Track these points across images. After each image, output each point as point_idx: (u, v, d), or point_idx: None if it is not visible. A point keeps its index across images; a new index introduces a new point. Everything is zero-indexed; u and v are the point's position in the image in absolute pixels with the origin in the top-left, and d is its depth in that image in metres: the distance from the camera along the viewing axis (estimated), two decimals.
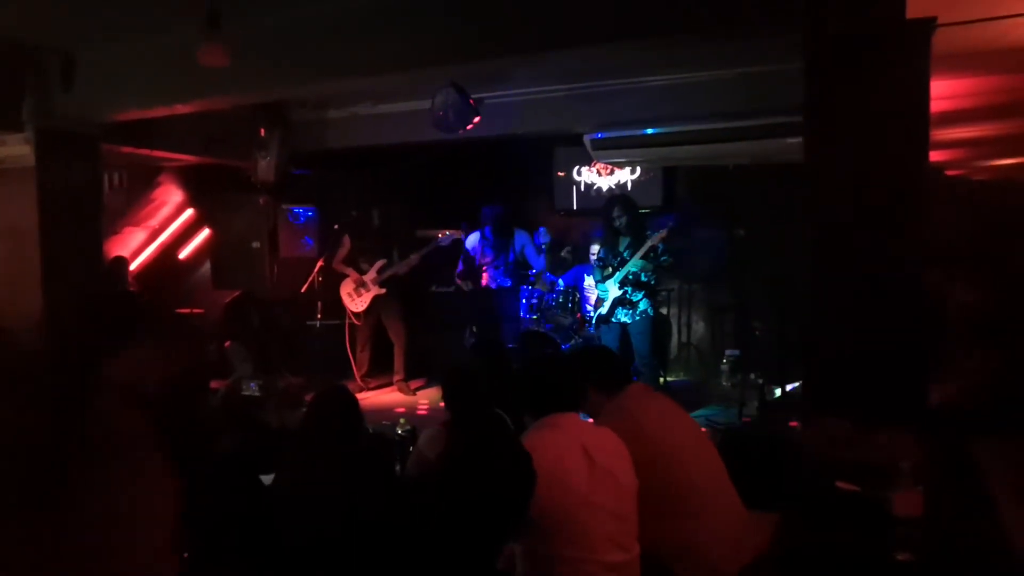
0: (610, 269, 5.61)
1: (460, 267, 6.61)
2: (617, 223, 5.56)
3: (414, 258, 6.56)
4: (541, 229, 6.54)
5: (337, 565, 2.67)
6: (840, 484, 2.58)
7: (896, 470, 2.47)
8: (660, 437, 2.63)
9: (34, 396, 1.00)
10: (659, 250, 5.48)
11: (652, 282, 5.61)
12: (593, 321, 5.95)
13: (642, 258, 5.43)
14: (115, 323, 1.61)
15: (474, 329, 6.23)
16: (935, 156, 5.47)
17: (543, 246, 6.44)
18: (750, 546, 2.59)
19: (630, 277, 5.51)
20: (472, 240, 6.48)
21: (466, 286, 6.55)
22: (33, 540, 0.78)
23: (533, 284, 6.75)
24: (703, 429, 2.91)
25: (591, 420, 2.77)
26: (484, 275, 6.54)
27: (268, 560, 2.68)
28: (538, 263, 6.53)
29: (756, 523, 2.67)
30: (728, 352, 6.82)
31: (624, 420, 2.62)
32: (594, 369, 2.89)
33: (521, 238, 6.50)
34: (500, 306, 6.17)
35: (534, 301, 6.65)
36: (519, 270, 6.53)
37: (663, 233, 5.44)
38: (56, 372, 1.09)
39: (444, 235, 6.69)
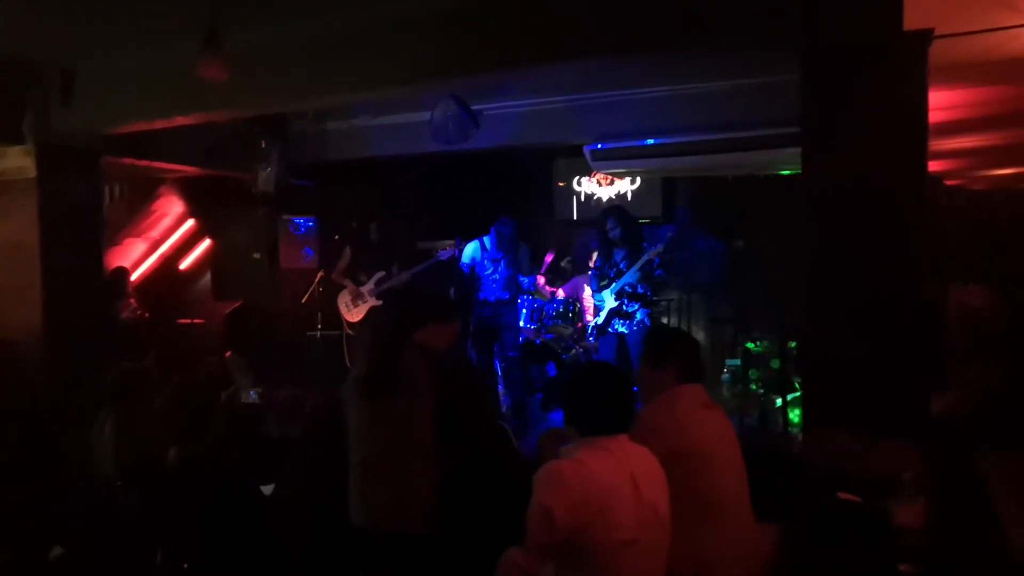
0: (606, 280, 5.62)
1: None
2: (611, 235, 5.57)
3: (406, 275, 6.57)
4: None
5: (337, 574, 2.66)
6: (842, 495, 2.57)
7: (898, 481, 2.46)
8: (698, 442, 2.57)
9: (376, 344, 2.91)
10: (654, 264, 5.48)
11: (649, 294, 5.61)
12: (590, 331, 5.95)
13: (637, 272, 5.44)
14: (424, 308, 3.10)
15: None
16: (933, 166, 5.48)
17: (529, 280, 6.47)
18: (755, 563, 2.58)
19: (627, 289, 5.51)
20: (470, 251, 6.38)
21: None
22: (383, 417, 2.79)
23: (532, 294, 6.75)
24: (739, 446, 2.81)
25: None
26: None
27: (269, 570, 2.67)
28: (530, 280, 6.56)
29: (759, 534, 2.65)
30: (728, 362, 6.81)
31: (670, 417, 2.55)
32: (682, 353, 2.76)
33: (523, 252, 6.46)
34: (499, 317, 6.14)
35: (534, 309, 6.65)
36: (515, 282, 6.47)
37: (659, 249, 5.44)
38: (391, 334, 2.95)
39: (443, 251, 6.67)
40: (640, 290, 5.52)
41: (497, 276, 6.06)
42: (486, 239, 6.09)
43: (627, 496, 2.10)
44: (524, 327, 6.64)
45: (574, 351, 6.57)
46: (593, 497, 2.04)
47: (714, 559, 2.49)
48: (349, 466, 2.82)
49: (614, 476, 2.11)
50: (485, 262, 6.12)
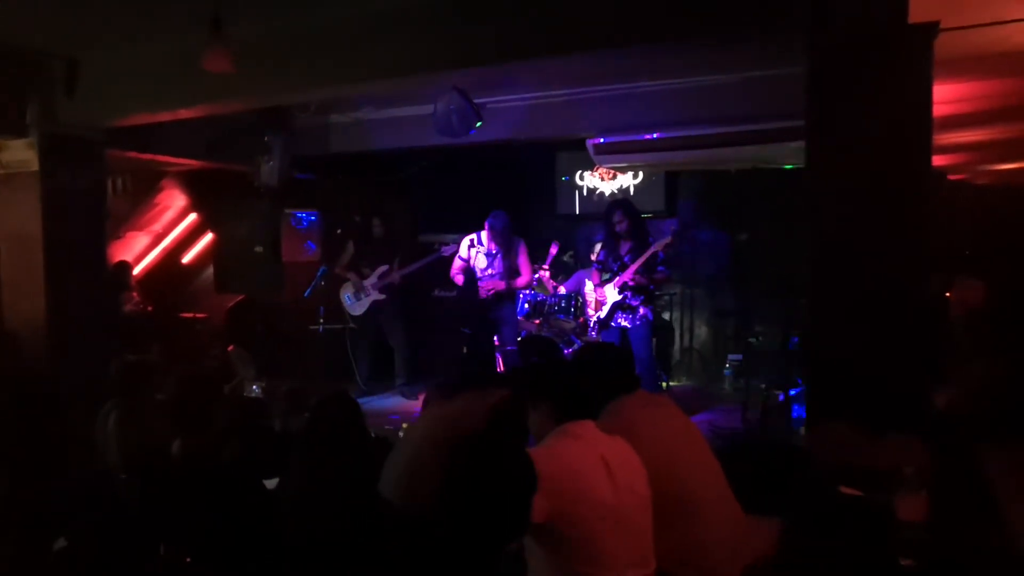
0: (608, 274, 5.62)
1: (458, 274, 6.44)
2: (618, 228, 5.56)
3: (410, 269, 6.57)
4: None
5: (340, 569, 2.67)
6: (844, 489, 2.57)
7: (900, 475, 2.46)
8: (653, 442, 2.58)
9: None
10: (658, 259, 5.47)
11: (651, 287, 5.60)
12: (592, 325, 5.94)
13: (641, 266, 5.43)
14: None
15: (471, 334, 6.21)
16: (937, 160, 5.46)
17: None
18: (750, 551, 2.58)
19: (629, 283, 5.50)
20: (465, 246, 6.32)
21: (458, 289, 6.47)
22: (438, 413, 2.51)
23: (535, 288, 6.73)
24: (700, 434, 2.85)
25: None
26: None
27: (272, 564, 2.68)
28: (527, 272, 6.53)
29: (760, 528, 2.65)
30: (731, 356, 6.81)
31: (616, 425, 2.54)
32: (604, 369, 2.81)
33: (517, 245, 6.43)
34: (497, 311, 6.13)
35: (536, 303, 6.64)
36: (513, 276, 6.43)
37: (667, 240, 5.43)
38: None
39: (448, 246, 6.66)
40: (643, 282, 5.51)
41: (492, 271, 6.05)
42: (482, 234, 6.08)
43: (600, 476, 2.18)
44: (527, 322, 6.63)
45: (576, 346, 6.56)
46: (565, 477, 2.12)
47: (696, 554, 2.50)
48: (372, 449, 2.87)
49: (583, 458, 2.21)
50: (480, 256, 6.10)
